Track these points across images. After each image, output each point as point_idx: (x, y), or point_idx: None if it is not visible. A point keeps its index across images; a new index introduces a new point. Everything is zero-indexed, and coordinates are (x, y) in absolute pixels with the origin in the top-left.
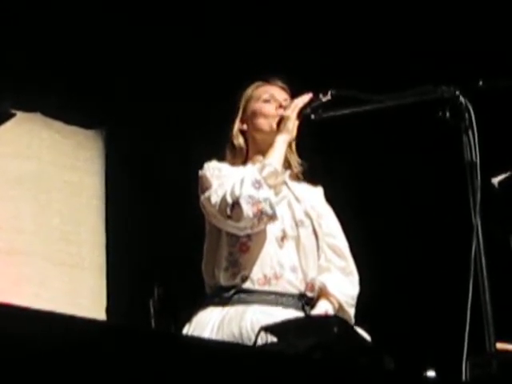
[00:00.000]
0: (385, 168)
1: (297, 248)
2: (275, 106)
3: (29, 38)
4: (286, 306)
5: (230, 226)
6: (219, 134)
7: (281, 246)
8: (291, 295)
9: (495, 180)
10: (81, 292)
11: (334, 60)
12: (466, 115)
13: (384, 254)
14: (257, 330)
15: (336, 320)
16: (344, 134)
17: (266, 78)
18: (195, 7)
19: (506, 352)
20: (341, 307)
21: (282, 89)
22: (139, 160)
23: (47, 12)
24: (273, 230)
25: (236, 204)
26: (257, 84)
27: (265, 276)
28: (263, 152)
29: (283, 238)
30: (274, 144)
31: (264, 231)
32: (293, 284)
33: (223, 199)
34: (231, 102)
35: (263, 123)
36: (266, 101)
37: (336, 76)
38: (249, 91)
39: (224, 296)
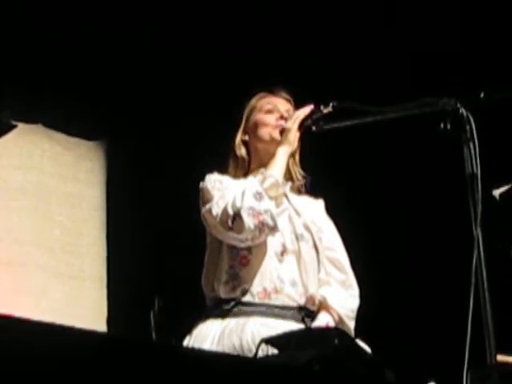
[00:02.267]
0: (385, 180)
1: (297, 262)
2: (276, 116)
3: (30, 50)
4: (286, 318)
5: (231, 238)
6: (221, 145)
7: (281, 261)
8: (291, 308)
9: (496, 192)
10: (81, 303)
11: (335, 72)
12: (467, 127)
13: (384, 266)
14: (257, 341)
15: (336, 332)
16: (344, 145)
17: (271, 89)
18: (198, 18)
19: (507, 364)
20: (341, 320)
21: (286, 100)
22: (140, 172)
23: (48, 23)
24: (273, 244)
25: (237, 216)
26: (261, 95)
27: (265, 290)
28: (265, 163)
29: (283, 252)
30: (275, 155)
31: (264, 245)
32: (292, 298)
33: (224, 211)
34: (234, 113)
35: (263, 132)
36: (269, 111)
37: (337, 88)
38: (253, 102)
39: (224, 308)
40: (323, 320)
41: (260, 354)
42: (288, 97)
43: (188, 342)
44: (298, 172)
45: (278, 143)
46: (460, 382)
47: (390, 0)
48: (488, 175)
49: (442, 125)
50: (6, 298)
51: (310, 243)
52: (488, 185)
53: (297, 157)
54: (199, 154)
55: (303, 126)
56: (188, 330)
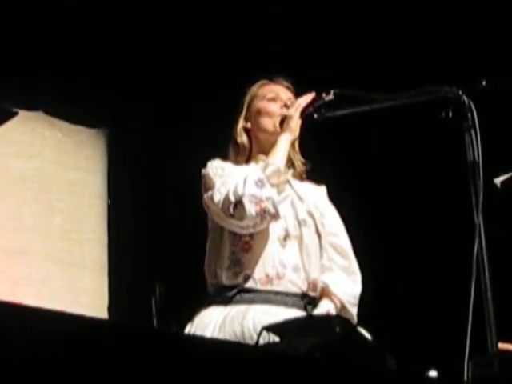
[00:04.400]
0: (387, 168)
1: (299, 248)
2: (280, 105)
3: (31, 37)
4: (288, 305)
5: (232, 225)
6: (222, 132)
7: (283, 246)
8: (293, 295)
9: (497, 180)
10: (82, 290)
11: (337, 60)
12: (469, 115)
13: (387, 253)
14: (259, 329)
15: (338, 320)
16: (346, 133)
17: (271, 77)
18: (197, 6)
19: (508, 352)
20: (343, 306)
21: (287, 88)
22: (141, 159)
23: (49, 11)
24: (275, 230)
25: (239, 203)
26: (261, 82)
27: (267, 275)
28: (266, 151)
29: (286, 237)
30: (277, 143)
31: (267, 230)
32: (295, 284)
33: (226, 198)
34: (234, 100)
35: (267, 122)
36: (271, 99)
37: (339, 76)
38: (253, 89)
39: (226, 295)
40: (325, 307)
41: (261, 341)
42: (289, 85)
43: (189, 329)
44: (298, 159)
45: (280, 131)
46: (461, 369)
47: None
48: (489, 163)
49: (443, 113)
50: (7, 286)
51: (313, 229)
52: (489, 173)
53: (296, 144)
54: (200, 142)
55: (305, 114)
56: (189, 318)
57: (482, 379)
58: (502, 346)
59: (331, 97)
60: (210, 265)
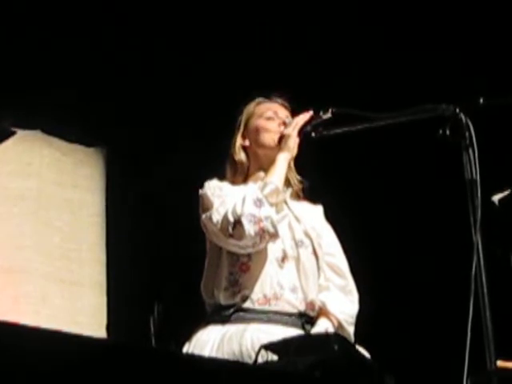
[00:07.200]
0: (385, 186)
1: (297, 268)
2: (278, 122)
3: (29, 56)
4: (286, 324)
5: (231, 245)
6: (221, 149)
7: (281, 267)
8: (291, 314)
9: (496, 198)
10: (81, 310)
11: (334, 78)
12: (467, 133)
13: (384, 271)
14: (257, 348)
15: (336, 338)
16: (343, 151)
17: (267, 95)
18: (193, 22)
19: (507, 370)
20: (340, 326)
21: (284, 106)
22: (139, 178)
23: (47, 32)
24: (273, 251)
25: (238, 223)
26: (258, 100)
27: (265, 296)
28: (264, 168)
29: (283, 258)
30: (275, 162)
31: (264, 251)
32: (292, 304)
33: (225, 218)
34: (231, 119)
35: (267, 138)
36: (269, 118)
37: (336, 94)
38: (251, 107)
39: (224, 314)
40: (322, 326)
41: (259, 360)
42: (285, 103)
43: (188, 348)
44: (294, 177)
45: (278, 149)
46: None
47: (389, 6)
48: (487, 181)
49: (441, 131)
50: (6, 305)
51: (310, 249)
52: (487, 190)
53: (291, 162)
54: (199, 160)
55: (302, 132)
56: (188, 337)
57: None
58: (500, 363)
59: (329, 115)
60: (207, 285)
